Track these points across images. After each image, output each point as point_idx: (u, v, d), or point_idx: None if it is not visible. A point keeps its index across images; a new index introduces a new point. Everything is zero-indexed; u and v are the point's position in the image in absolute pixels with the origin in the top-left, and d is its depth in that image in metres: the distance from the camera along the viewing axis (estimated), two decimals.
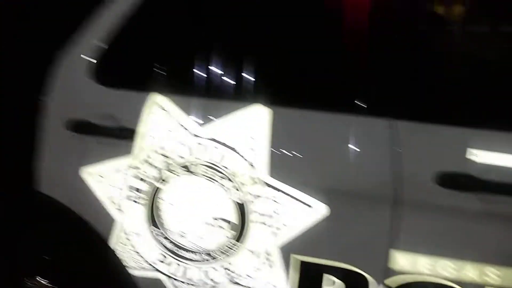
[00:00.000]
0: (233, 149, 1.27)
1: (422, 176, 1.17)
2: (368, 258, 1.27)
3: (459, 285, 1.23)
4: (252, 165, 1.26)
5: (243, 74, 1.30)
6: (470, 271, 1.21)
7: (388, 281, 1.27)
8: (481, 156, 1.14)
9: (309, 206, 1.25)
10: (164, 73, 1.36)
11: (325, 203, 1.24)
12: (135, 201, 1.39)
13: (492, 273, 1.20)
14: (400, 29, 1.23)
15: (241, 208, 1.30)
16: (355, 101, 1.23)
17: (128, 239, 1.44)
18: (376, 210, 1.22)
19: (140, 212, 1.40)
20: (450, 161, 1.16)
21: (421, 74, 1.24)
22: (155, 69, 1.36)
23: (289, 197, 1.26)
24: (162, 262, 1.44)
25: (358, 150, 1.22)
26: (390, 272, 1.26)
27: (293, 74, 1.31)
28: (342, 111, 1.23)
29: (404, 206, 1.20)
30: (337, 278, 1.31)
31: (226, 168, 1.29)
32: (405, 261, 1.24)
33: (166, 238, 1.40)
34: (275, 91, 1.28)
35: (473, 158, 1.15)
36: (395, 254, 1.24)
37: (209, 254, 1.38)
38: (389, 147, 1.19)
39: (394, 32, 1.23)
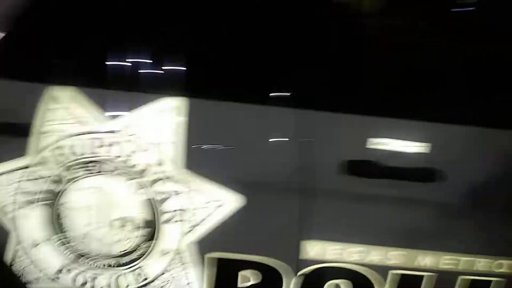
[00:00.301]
0: (142, 144, 1.22)
1: (328, 165, 1.21)
2: (280, 250, 1.28)
3: (366, 268, 1.28)
4: (163, 160, 1.22)
5: (155, 64, 1.25)
6: (376, 255, 1.27)
7: (301, 272, 1.29)
8: (382, 143, 1.21)
9: (222, 200, 1.23)
10: (64, 62, 1.25)
11: (238, 196, 1.23)
12: (33, 208, 1.26)
13: (395, 255, 1.27)
14: (304, 20, 1.27)
15: (152, 207, 1.25)
16: (263, 91, 1.24)
17: (27, 251, 1.30)
18: (286, 200, 1.24)
19: (39, 219, 1.27)
20: (354, 149, 1.21)
21: (324, 63, 1.28)
22: (53, 57, 1.26)
23: (201, 191, 1.23)
24: (66, 272, 1.32)
25: (267, 140, 1.22)
26: (303, 263, 1.28)
27: (204, 65, 1.28)
28: (251, 102, 1.23)
29: (312, 196, 1.22)
30: (253, 272, 1.30)
31: (135, 164, 1.22)
32: (316, 250, 1.27)
33: (69, 245, 1.29)
34: (185, 82, 1.24)
35: (375, 145, 1.21)
36: (306, 244, 1.27)
37: (118, 259, 1.30)
38: (296, 136, 1.21)
39: (299, 22, 1.27)
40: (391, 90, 1.27)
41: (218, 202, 1.23)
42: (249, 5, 1.29)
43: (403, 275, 1.28)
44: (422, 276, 1.29)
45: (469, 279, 1.29)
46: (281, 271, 1.29)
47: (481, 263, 1.27)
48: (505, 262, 1.27)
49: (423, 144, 1.20)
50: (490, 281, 1.29)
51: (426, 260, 1.27)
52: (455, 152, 1.21)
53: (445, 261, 1.27)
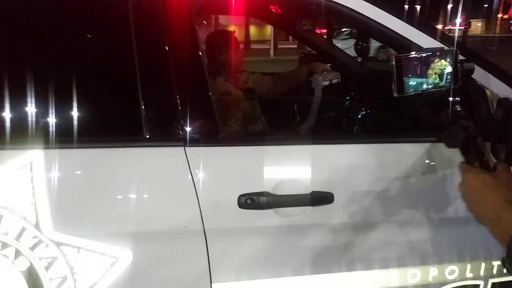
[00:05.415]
0: (7, 208, 1.05)
1: (226, 202, 1.12)
2: None
3: None
4: (36, 224, 1.06)
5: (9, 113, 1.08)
6: (288, 285, 1.21)
7: None
8: (274, 172, 1.15)
9: (113, 257, 1.10)
10: None
11: (131, 249, 1.10)
12: None
13: (310, 284, 1.22)
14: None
15: (33, 276, 1.08)
16: (142, 131, 1.11)
17: None
18: (190, 245, 1.13)
19: None
20: (248, 181, 1.13)
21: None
22: None
23: (87, 251, 1.08)
24: None
25: (157, 183, 1.11)
26: None
27: (67, 108, 1.11)
28: (128, 144, 1.11)
29: (216, 236, 1.13)
30: None
31: (7, 231, 1.06)
32: None
33: None
34: (46, 131, 1.09)
35: (267, 175, 1.14)
36: (217, 287, 1.17)
37: None
38: (189, 175, 1.11)
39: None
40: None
41: (110, 260, 1.10)
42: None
43: None
44: None
45: None
46: None
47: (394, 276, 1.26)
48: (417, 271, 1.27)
49: (309, 167, 1.16)
50: None
51: (342, 283, 1.23)
52: (338, 172, 1.18)
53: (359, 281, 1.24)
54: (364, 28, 1.36)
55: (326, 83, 1.77)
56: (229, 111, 1.58)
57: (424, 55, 1.00)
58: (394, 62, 0.98)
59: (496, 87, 1.24)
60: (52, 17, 1.16)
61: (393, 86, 0.99)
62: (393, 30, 1.24)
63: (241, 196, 1.11)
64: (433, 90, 1.02)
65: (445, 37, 1.26)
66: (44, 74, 1.11)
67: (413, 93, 1.00)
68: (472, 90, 1.16)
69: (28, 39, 1.14)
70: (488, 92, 1.20)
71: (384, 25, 1.24)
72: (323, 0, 1.24)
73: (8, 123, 1.08)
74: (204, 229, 1.12)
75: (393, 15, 1.25)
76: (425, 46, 1.18)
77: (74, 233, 1.08)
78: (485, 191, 0.86)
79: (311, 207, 1.15)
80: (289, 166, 1.16)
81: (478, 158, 0.95)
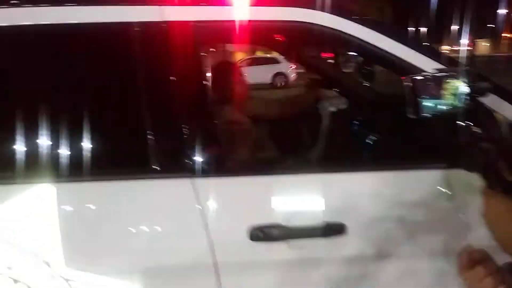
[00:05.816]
0: (15, 244, 1.04)
1: (236, 234, 1.10)
2: None
3: None
4: (46, 260, 1.05)
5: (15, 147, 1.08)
6: None
7: None
8: (285, 202, 1.13)
9: None
10: None
11: (141, 285, 1.08)
12: None
13: None
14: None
15: None
16: (149, 163, 1.11)
17: None
18: (202, 279, 1.11)
19: None
20: (259, 213, 1.12)
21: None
22: None
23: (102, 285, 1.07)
24: None
25: (165, 216, 1.10)
26: None
27: (74, 141, 1.11)
28: (135, 176, 1.11)
29: (228, 270, 1.11)
30: None
31: (8, 268, 1.04)
32: None
33: None
34: (53, 164, 1.09)
35: (278, 206, 1.12)
36: None
37: None
38: (198, 208, 1.10)
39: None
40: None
41: None
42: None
43: None
44: None
45: None
46: None
47: None
48: None
49: (320, 197, 1.14)
50: None
51: None
52: (350, 202, 1.14)
53: None
54: (367, 54, 1.35)
55: (333, 109, 1.77)
56: (237, 140, 1.57)
57: (437, 74, 0.96)
58: (408, 83, 0.94)
59: (507, 110, 1.21)
60: (56, 51, 1.17)
61: (408, 108, 0.95)
62: (396, 55, 1.23)
63: (252, 228, 1.10)
64: (449, 111, 0.96)
65: (452, 61, 1.25)
66: (53, 108, 1.11)
67: (430, 114, 0.95)
68: (480, 113, 1.13)
69: (32, 74, 1.15)
70: (498, 115, 1.18)
71: (387, 51, 1.24)
72: (326, 27, 1.24)
73: (14, 157, 1.09)
74: (215, 263, 1.10)
75: (396, 40, 1.24)
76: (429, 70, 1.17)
77: (84, 268, 1.07)
78: (509, 218, 0.83)
79: (323, 238, 1.12)
80: (300, 196, 1.14)
81: (500, 183, 0.90)
